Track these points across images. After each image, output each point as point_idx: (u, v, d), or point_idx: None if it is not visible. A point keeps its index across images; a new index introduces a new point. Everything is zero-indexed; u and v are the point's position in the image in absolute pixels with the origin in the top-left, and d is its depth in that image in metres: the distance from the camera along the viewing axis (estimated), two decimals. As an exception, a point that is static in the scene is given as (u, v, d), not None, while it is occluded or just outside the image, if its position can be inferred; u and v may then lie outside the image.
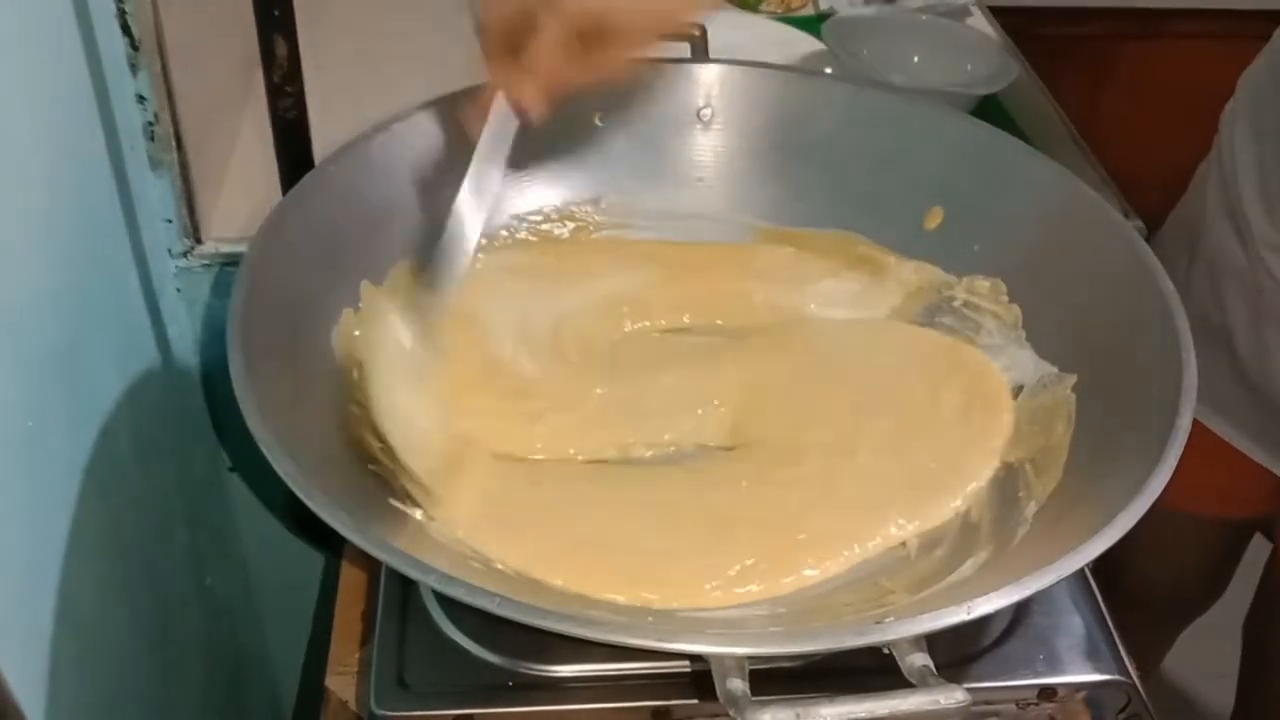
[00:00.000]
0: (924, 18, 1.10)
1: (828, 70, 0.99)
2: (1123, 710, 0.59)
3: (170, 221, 0.80)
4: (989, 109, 0.97)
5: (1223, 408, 0.91)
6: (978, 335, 0.73)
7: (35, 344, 0.62)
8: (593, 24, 0.58)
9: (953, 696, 0.47)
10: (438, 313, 0.64)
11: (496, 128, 0.63)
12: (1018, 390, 0.69)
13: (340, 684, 0.62)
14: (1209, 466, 0.92)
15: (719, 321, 0.76)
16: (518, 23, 0.59)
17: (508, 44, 0.60)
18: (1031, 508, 0.61)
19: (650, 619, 0.56)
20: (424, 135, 0.74)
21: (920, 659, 0.48)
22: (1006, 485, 0.64)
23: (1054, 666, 0.59)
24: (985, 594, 0.49)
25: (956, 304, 0.75)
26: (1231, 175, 0.86)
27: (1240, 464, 0.92)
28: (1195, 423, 0.90)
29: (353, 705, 0.61)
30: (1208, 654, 1.20)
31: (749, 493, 0.64)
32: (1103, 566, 1.09)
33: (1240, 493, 0.96)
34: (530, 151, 0.78)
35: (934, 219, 0.76)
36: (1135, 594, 1.11)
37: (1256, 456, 0.92)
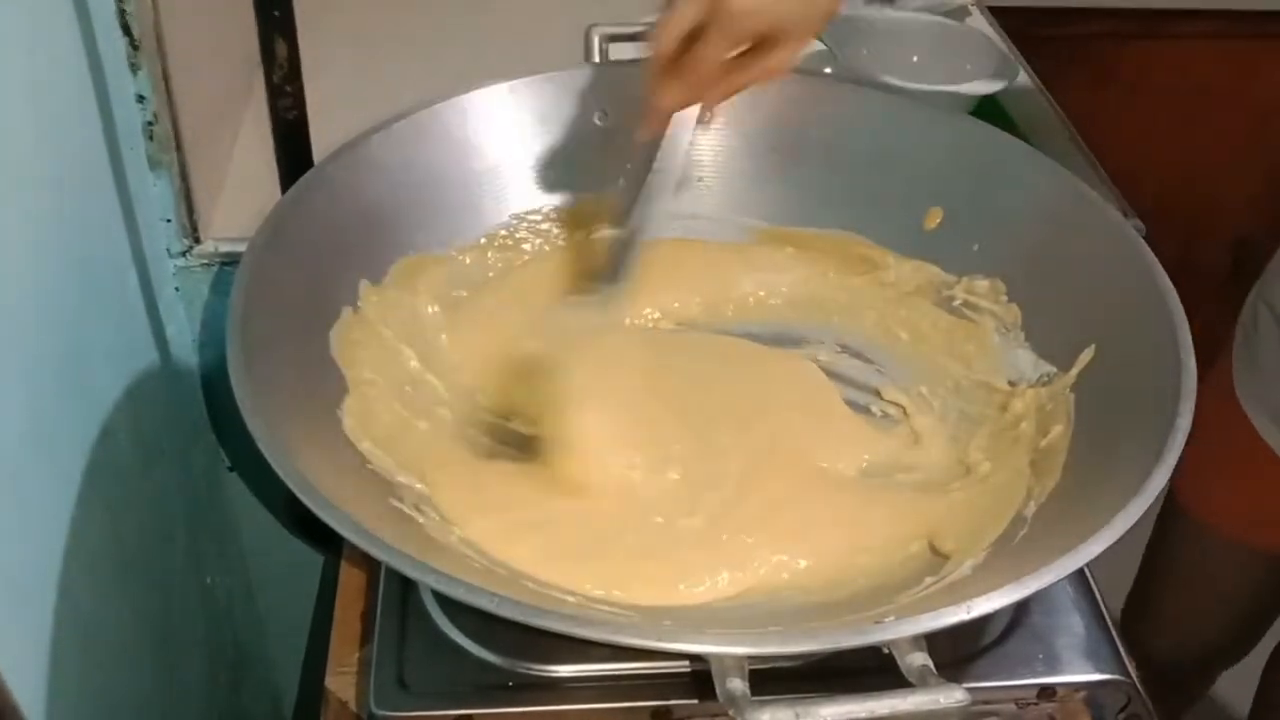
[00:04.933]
0: (924, 18, 1.09)
1: (828, 70, 0.99)
2: (1122, 710, 0.59)
3: (169, 221, 0.80)
4: (988, 109, 0.97)
5: None
6: (977, 335, 0.73)
7: (35, 344, 0.62)
8: (757, 34, 0.62)
9: (952, 696, 0.47)
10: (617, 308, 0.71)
11: (671, 140, 0.70)
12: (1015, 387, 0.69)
13: (340, 684, 0.62)
14: (1271, 496, 0.90)
15: (719, 322, 0.77)
16: (688, 35, 0.62)
17: (673, 56, 0.63)
18: (1031, 508, 0.61)
19: (649, 618, 0.57)
20: (424, 135, 0.74)
21: (920, 658, 0.48)
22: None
23: (1054, 666, 0.59)
24: (985, 594, 0.49)
25: (956, 304, 0.75)
26: None
27: None
28: (1266, 452, 0.88)
29: (353, 705, 0.61)
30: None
31: (744, 505, 0.63)
32: (1143, 621, 1.06)
33: None
34: (531, 151, 0.78)
35: (933, 219, 0.76)
36: (1172, 645, 1.09)
37: None
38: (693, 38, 0.62)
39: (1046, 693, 0.58)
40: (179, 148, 0.77)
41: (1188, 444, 0.55)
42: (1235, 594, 1.04)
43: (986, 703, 0.58)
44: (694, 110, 0.69)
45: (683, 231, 0.80)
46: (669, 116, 0.68)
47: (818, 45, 1.05)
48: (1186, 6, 1.53)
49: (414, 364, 0.70)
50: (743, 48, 0.63)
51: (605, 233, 0.79)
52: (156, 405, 0.81)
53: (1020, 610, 0.61)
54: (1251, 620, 1.08)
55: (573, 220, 0.79)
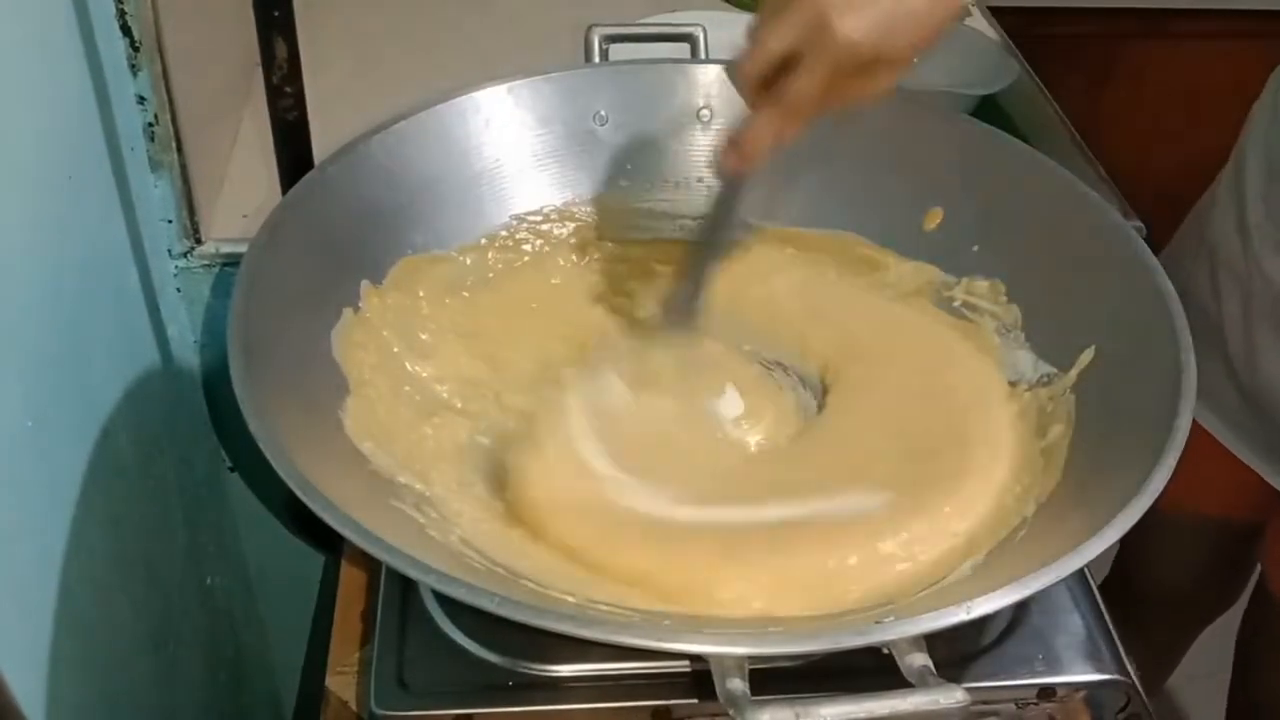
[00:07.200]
0: (924, 18, 1.09)
1: (827, 70, 0.99)
2: (1122, 710, 0.59)
3: (170, 222, 0.80)
4: (989, 109, 0.97)
5: (1216, 406, 0.91)
6: (977, 335, 0.73)
7: (36, 344, 0.62)
8: (861, 63, 0.56)
9: (952, 696, 0.47)
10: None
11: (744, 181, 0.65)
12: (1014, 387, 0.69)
13: (340, 684, 0.62)
14: (1207, 464, 0.92)
15: (719, 322, 0.76)
16: (780, 62, 0.58)
17: (764, 81, 0.59)
18: (1031, 508, 0.61)
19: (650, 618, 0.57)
20: (424, 135, 0.74)
21: (920, 659, 0.48)
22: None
23: (1053, 666, 0.59)
24: (985, 594, 0.49)
25: (956, 304, 0.75)
26: (1243, 167, 0.86)
27: (1235, 462, 0.92)
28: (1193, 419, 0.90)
29: (353, 705, 0.61)
30: (1206, 654, 1.19)
31: (760, 520, 0.63)
32: (1115, 569, 1.09)
33: (1235, 492, 0.96)
34: (531, 151, 0.78)
35: (933, 219, 0.76)
36: (1147, 597, 1.11)
37: (1244, 457, 0.91)
38: (785, 65, 0.57)
39: (1046, 693, 0.58)
40: (179, 148, 0.77)
41: None
42: (1187, 554, 1.07)
43: (986, 703, 0.58)
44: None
45: (683, 232, 0.80)
46: (756, 154, 0.61)
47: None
48: (1187, 6, 1.53)
49: (415, 365, 0.70)
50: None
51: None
52: (157, 405, 0.81)
53: (1020, 610, 0.61)
54: (1212, 579, 1.10)
55: (573, 221, 0.79)
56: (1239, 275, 0.86)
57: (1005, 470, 0.65)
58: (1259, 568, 1.02)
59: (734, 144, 0.62)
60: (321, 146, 0.73)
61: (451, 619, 0.59)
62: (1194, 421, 0.81)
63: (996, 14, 1.19)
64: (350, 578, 0.68)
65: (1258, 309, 0.85)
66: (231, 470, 0.95)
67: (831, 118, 0.60)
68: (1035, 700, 0.59)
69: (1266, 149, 0.84)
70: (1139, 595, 1.10)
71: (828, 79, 0.57)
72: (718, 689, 0.48)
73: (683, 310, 0.69)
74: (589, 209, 0.80)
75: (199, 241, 0.82)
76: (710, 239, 0.69)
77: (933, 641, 0.49)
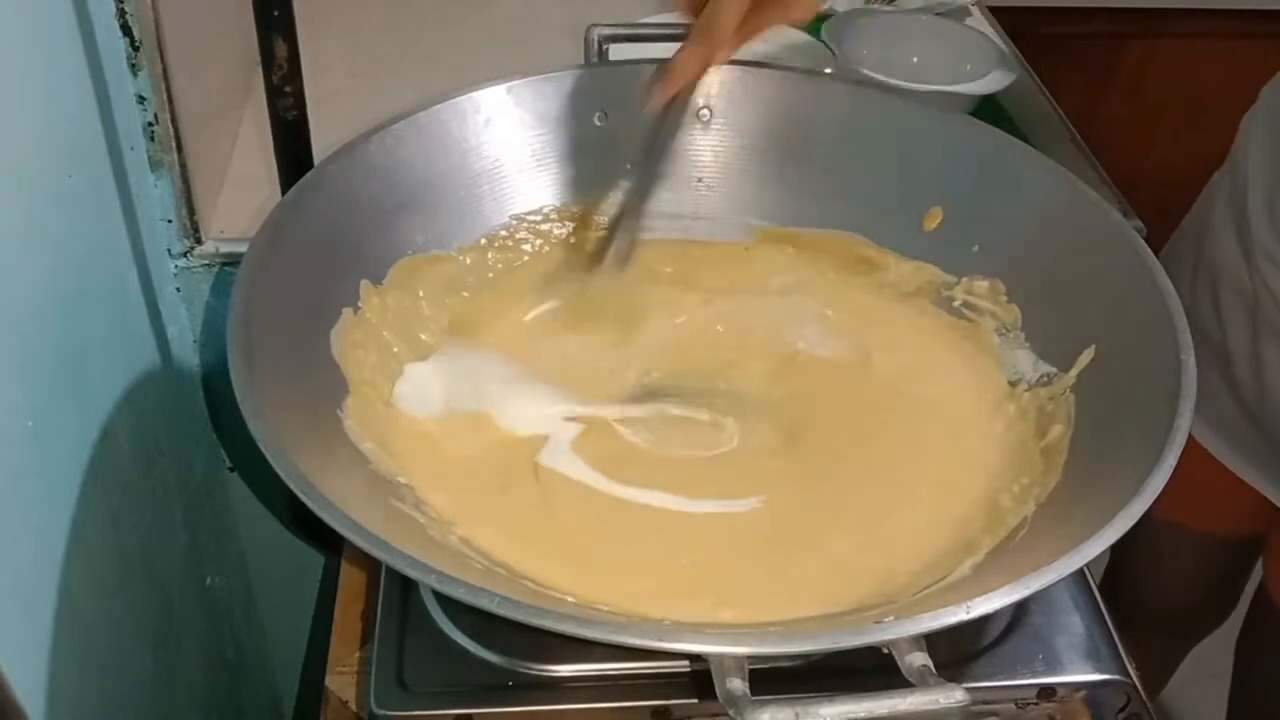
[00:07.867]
0: (924, 18, 1.10)
1: (828, 70, 0.99)
2: (1122, 710, 0.59)
3: (170, 221, 0.80)
4: (989, 109, 0.97)
5: (1218, 424, 0.91)
6: (976, 335, 0.73)
7: (35, 344, 0.62)
8: None
9: (952, 696, 0.47)
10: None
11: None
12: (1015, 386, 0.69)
13: (340, 684, 0.62)
14: (1204, 481, 0.92)
15: (720, 323, 0.77)
16: None
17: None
18: (1031, 507, 0.61)
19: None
20: (424, 135, 0.74)
21: (919, 658, 0.48)
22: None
23: (1053, 666, 0.59)
24: (985, 594, 0.49)
25: (956, 304, 0.75)
26: (1242, 183, 0.85)
27: (1236, 481, 0.92)
28: (1191, 437, 0.90)
29: (353, 705, 0.61)
30: (1207, 657, 1.19)
31: (761, 518, 0.63)
32: (1107, 580, 1.09)
33: (1235, 510, 0.95)
34: (531, 151, 0.78)
35: (933, 219, 0.76)
36: (1141, 611, 1.11)
37: (1247, 477, 0.91)
38: None
39: (1046, 693, 0.58)
40: (179, 148, 0.77)
41: None
42: (1185, 572, 1.07)
43: (986, 703, 0.58)
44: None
45: (683, 231, 0.80)
46: (686, 82, 0.67)
47: (818, 45, 1.05)
48: (1186, 6, 1.53)
49: (415, 365, 0.70)
50: None
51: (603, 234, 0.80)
52: (157, 405, 0.81)
53: (1020, 610, 0.61)
54: (1210, 595, 1.10)
55: (573, 221, 0.79)
56: (1243, 293, 0.85)
57: (998, 464, 0.65)
58: (1253, 578, 1.02)
59: (662, 74, 0.67)
60: (321, 146, 0.73)
61: (451, 619, 0.59)
62: (1192, 439, 0.82)
63: (996, 14, 1.19)
64: (350, 578, 0.68)
65: (1263, 326, 0.84)
66: (231, 470, 0.95)
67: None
68: (1035, 700, 0.59)
69: (1270, 164, 0.83)
70: (1132, 609, 1.10)
71: (741, 9, 0.63)
72: (718, 689, 0.48)
73: (618, 249, 0.72)
74: (589, 209, 0.80)
75: (199, 241, 0.82)
76: (643, 175, 0.72)
77: (933, 641, 0.49)
